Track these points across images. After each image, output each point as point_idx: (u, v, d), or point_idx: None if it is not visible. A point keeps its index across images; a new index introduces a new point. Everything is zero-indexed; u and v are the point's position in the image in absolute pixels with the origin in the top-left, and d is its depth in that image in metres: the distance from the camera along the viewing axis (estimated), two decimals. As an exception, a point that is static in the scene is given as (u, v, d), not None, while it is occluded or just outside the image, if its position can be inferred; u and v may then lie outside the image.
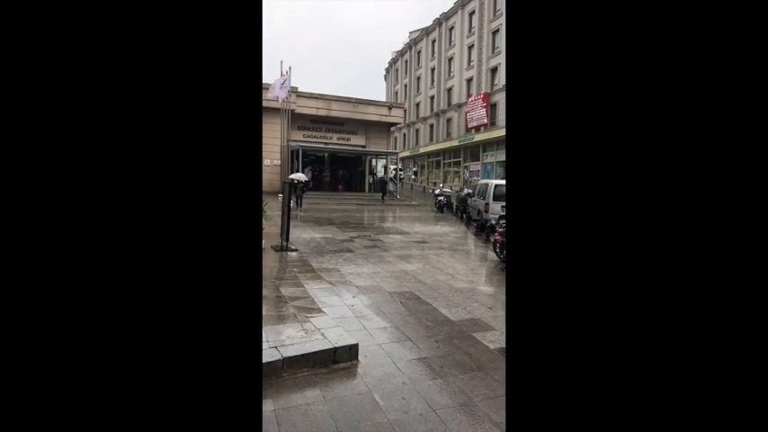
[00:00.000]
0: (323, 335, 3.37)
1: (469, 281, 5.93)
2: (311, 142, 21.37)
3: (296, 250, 7.36)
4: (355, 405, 2.56)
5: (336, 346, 3.17)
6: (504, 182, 12.89)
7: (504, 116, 24.67)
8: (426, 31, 35.98)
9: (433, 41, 34.88)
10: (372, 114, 22.84)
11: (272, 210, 10.60)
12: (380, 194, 20.68)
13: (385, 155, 24.25)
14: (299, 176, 15.91)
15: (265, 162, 18.99)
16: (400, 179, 22.94)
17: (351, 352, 3.19)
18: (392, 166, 25.37)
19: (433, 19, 34.28)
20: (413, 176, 25.63)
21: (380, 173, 24.84)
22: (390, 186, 22.81)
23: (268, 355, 2.93)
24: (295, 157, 19.29)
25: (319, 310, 4.13)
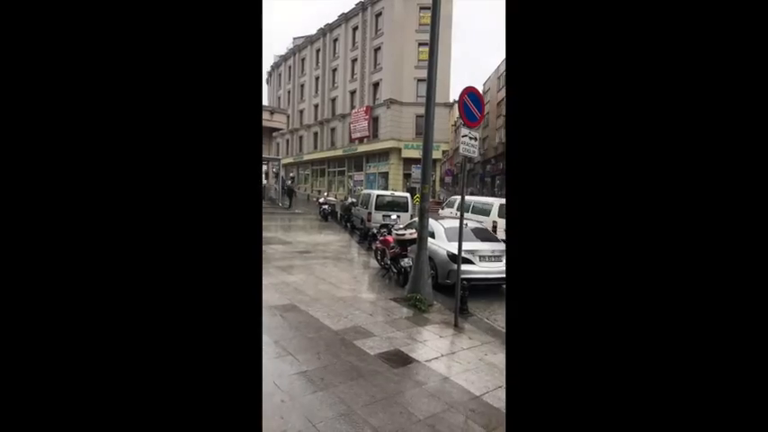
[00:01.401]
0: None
1: (351, 289, 6.03)
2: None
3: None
4: (227, 433, 2.35)
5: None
6: (385, 192, 13.52)
7: (384, 130, 26.00)
8: (311, 40, 35.89)
9: (318, 51, 34.95)
10: (253, 118, 21.69)
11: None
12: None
13: (266, 161, 23.25)
14: None
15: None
16: (283, 187, 22.24)
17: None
18: (282, 173, 24.42)
19: (318, 28, 34.41)
20: (289, 183, 25.11)
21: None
22: (272, 194, 21.95)
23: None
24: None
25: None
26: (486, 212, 10.73)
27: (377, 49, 27.51)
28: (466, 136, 4.79)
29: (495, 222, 10.11)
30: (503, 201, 10.85)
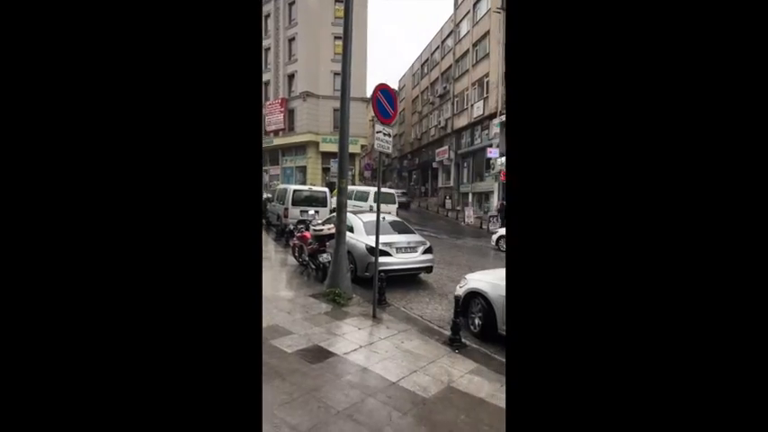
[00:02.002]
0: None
1: (269, 287, 5.83)
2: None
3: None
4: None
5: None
6: (303, 187, 13.22)
7: (301, 123, 25.35)
8: (218, 24, 33.33)
9: (226, 36, 32.63)
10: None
11: None
12: None
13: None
14: None
15: None
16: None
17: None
18: None
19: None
20: None
21: None
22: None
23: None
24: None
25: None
26: (364, 198, 14.60)
27: (291, 40, 26.62)
28: (380, 132, 4.90)
29: (371, 207, 12.98)
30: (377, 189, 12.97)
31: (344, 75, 5.65)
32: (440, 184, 28.09)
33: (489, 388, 3.16)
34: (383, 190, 14.76)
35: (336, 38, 24.37)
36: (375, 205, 12.04)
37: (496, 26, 19.20)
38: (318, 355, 3.59)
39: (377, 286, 5.00)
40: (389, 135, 5.01)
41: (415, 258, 6.52)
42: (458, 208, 22.31)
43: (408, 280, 6.86)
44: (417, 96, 33.39)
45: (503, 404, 2.92)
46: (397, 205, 15.22)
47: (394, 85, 39.57)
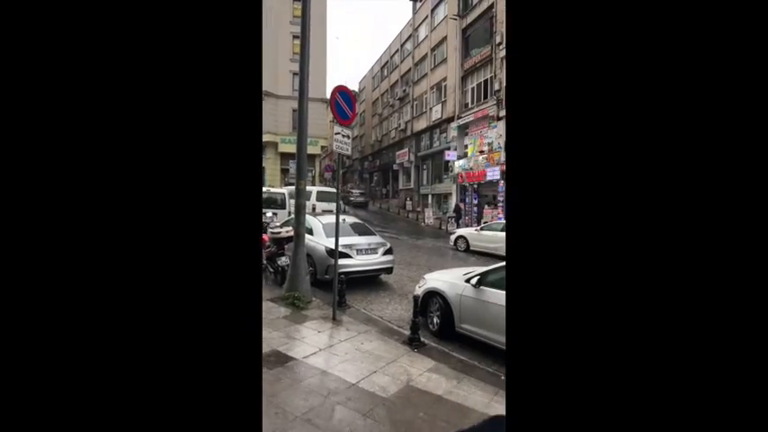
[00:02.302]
0: None
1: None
2: None
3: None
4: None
5: None
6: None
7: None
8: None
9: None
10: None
11: None
12: None
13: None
14: None
15: None
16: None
17: None
18: None
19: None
20: None
21: None
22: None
23: None
24: None
25: None
26: (306, 197, 14.80)
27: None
28: (339, 133, 4.89)
29: (314, 206, 12.95)
30: (320, 188, 14.94)
31: (302, 74, 5.59)
32: (401, 186, 28.39)
33: (447, 385, 3.24)
34: (324, 189, 15.50)
35: (295, 37, 24.01)
36: (317, 204, 12.94)
37: (453, 33, 19.73)
38: (277, 359, 3.52)
39: (337, 288, 4.97)
40: (348, 137, 5.01)
41: (375, 260, 6.55)
42: (418, 209, 22.66)
43: (369, 281, 6.87)
44: (378, 98, 33.56)
45: (460, 400, 3.01)
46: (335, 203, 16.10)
47: (354, 87, 39.57)
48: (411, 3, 26.30)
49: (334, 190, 17.92)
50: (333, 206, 14.16)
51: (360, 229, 7.20)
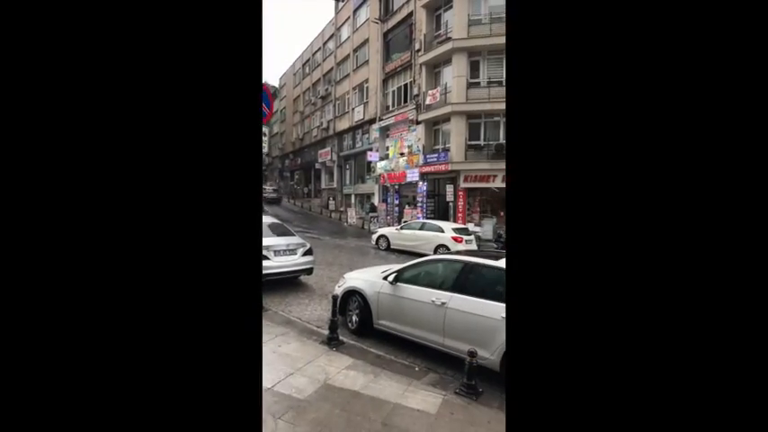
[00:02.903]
0: None
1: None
2: None
3: None
4: None
5: None
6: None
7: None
8: None
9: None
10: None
11: None
12: None
13: None
14: None
15: None
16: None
17: None
18: None
19: None
20: None
21: None
22: None
23: None
24: None
25: None
26: None
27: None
28: (255, 130, 4.72)
29: None
30: None
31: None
32: (323, 186, 28.12)
33: (364, 380, 3.32)
34: None
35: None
36: None
37: (375, 35, 20.09)
38: (184, 370, 3.29)
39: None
40: (265, 134, 4.85)
41: (294, 261, 6.43)
42: (341, 209, 22.66)
43: (288, 283, 6.72)
44: (299, 96, 32.82)
45: (376, 393, 3.11)
46: None
47: (275, 83, 38.20)
48: (334, 1, 26.20)
49: None
50: None
51: (278, 230, 7.01)
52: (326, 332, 4.23)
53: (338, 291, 4.80)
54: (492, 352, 3.34)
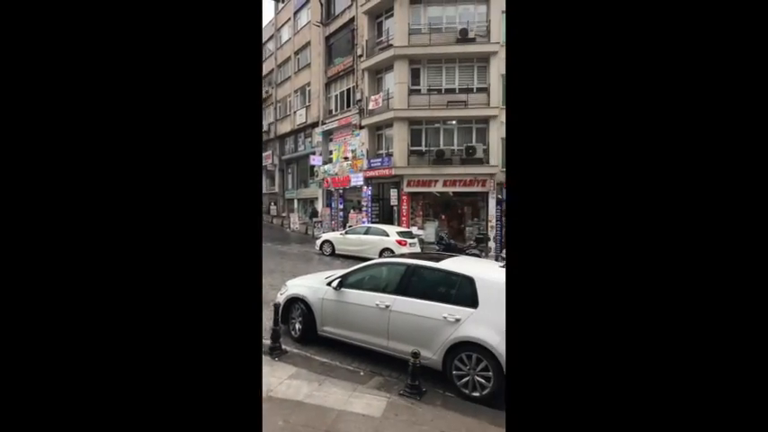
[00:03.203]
0: None
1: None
2: None
3: None
4: None
5: None
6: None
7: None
8: None
9: None
10: None
11: None
12: None
13: None
14: None
15: None
16: None
17: None
18: None
19: None
20: None
21: None
22: None
23: None
24: None
25: None
26: None
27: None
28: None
29: None
30: None
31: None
32: (265, 190, 27.20)
33: (308, 389, 3.25)
34: None
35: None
36: None
37: (317, 39, 19.91)
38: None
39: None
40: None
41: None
42: (283, 214, 22.05)
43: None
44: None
45: (320, 402, 3.05)
46: None
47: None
48: (273, 2, 25.58)
49: None
50: None
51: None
52: (268, 342, 4.09)
53: (280, 299, 4.66)
54: (434, 352, 3.43)
